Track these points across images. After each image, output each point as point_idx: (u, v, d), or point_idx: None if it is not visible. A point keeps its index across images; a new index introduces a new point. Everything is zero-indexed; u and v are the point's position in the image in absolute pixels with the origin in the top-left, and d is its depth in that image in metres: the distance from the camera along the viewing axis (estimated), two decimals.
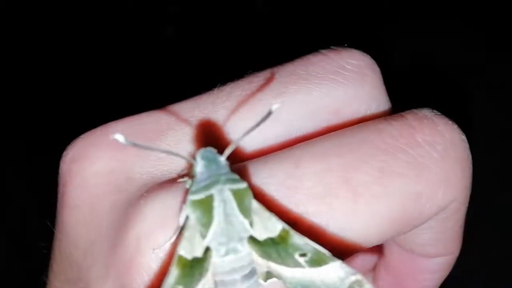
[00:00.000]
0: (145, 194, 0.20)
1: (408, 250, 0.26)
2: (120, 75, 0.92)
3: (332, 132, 0.22)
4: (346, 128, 0.22)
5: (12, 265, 0.75)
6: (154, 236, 0.18)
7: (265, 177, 0.19)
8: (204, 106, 0.23)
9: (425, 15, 0.67)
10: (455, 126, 0.22)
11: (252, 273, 0.17)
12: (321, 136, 0.22)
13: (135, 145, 0.18)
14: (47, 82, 0.92)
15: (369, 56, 0.24)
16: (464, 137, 0.22)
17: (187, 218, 0.16)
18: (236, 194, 0.16)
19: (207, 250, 0.16)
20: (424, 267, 0.26)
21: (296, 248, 0.17)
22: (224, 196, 0.16)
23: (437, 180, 0.21)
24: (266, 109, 0.17)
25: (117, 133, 0.18)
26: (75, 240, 0.22)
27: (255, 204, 0.17)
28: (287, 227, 0.17)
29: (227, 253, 0.16)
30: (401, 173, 0.20)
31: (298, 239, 0.17)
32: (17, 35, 0.97)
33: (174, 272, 0.16)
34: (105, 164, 0.22)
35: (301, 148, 0.21)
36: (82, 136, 0.23)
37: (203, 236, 0.16)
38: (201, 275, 0.16)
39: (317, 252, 0.17)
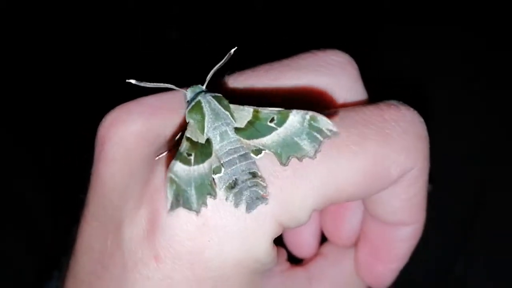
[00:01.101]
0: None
1: (380, 221, 0.32)
2: (121, 76, 0.92)
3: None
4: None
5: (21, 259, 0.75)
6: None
7: None
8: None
9: (424, 21, 0.67)
10: (415, 112, 0.29)
11: (246, 153, 0.23)
12: None
13: (141, 82, 0.27)
14: (48, 83, 0.92)
15: (348, 55, 0.30)
16: (422, 119, 0.29)
17: (189, 124, 0.24)
18: (215, 98, 0.24)
19: (209, 141, 0.23)
20: (395, 236, 0.32)
21: (266, 118, 0.23)
22: (207, 99, 0.24)
23: (400, 147, 0.27)
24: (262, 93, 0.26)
25: (154, 102, 0.28)
26: (112, 187, 0.27)
27: (231, 105, 0.24)
28: (256, 107, 0.24)
29: (222, 139, 0.23)
30: (373, 139, 0.26)
31: (265, 111, 0.24)
32: (17, 35, 0.97)
33: (185, 143, 0.23)
34: (139, 126, 0.27)
35: None
36: (118, 106, 0.29)
37: (201, 129, 0.23)
38: (207, 155, 0.23)
39: (279, 112, 0.23)
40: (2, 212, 0.78)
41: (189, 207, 0.22)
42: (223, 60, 0.26)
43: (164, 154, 0.25)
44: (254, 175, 0.23)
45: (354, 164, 0.25)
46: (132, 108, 0.29)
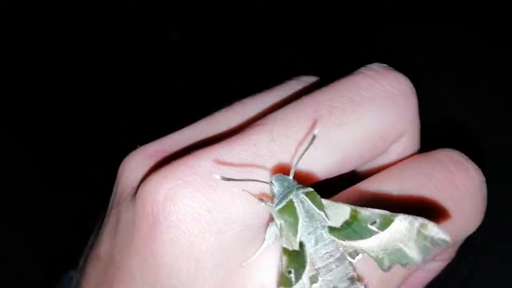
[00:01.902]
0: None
1: None
2: (120, 76, 0.92)
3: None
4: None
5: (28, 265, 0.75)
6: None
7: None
8: (259, 138, 0.25)
9: (424, 21, 0.67)
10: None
11: (342, 256, 0.21)
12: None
13: (229, 179, 0.22)
14: (48, 83, 0.92)
15: (409, 80, 0.28)
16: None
17: (280, 226, 0.21)
18: (308, 195, 0.21)
19: (302, 245, 0.21)
20: (425, 267, 0.31)
21: (366, 219, 0.21)
22: (300, 198, 0.21)
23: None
24: (330, 142, 0.24)
25: (208, 168, 0.23)
26: (170, 272, 0.24)
27: (324, 201, 0.22)
28: (353, 207, 0.21)
29: (316, 242, 0.21)
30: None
31: (365, 212, 0.21)
32: (18, 35, 0.97)
33: (284, 258, 0.21)
34: (202, 204, 0.24)
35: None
36: (170, 171, 0.24)
37: (294, 233, 0.21)
38: (303, 265, 0.21)
39: (382, 215, 0.21)
40: (2, 211, 0.78)
41: None
42: (308, 145, 0.23)
43: (252, 260, 0.22)
44: (352, 280, 0.21)
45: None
46: (189, 179, 0.24)
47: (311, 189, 0.22)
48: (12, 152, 0.85)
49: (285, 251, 0.21)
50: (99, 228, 0.30)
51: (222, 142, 0.25)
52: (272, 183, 0.23)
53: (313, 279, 0.21)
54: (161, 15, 0.98)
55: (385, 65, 0.28)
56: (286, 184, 0.22)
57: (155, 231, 0.24)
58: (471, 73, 0.55)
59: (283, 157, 0.24)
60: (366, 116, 0.26)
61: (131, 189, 0.27)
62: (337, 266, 0.21)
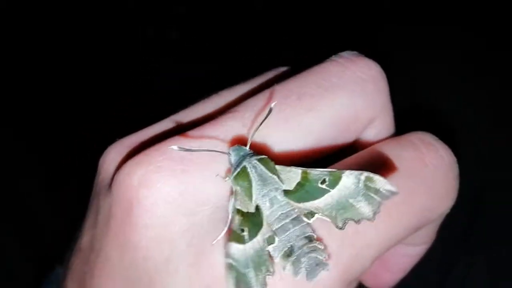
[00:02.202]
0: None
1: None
2: (120, 75, 0.92)
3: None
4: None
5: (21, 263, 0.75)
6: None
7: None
8: (231, 124, 0.26)
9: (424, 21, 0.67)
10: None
11: (298, 217, 0.22)
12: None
13: (187, 150, 0.24)
14: (50, 84, 0.92)
15: (379, 66, 0.29)
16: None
17: (235, 191, 0.22)
18: (260, 161, 0.23)
19: (258, 209, 0.22)
20: (406, 252, 0.33)
21: (317, 179, 0.22)
22: (253, 163, 0.22)
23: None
24: (301, 126, 0.25)
25: (180, 152, 0.23)
26: (145, 255, 0.24)
27: (277, 167, 0.23)
28: (303, 168, 0.22)
29: (271, 204, 0.22)
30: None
31: (314, 172, 0.22)
32: (17, 35, 0.97)
33: (236, 217, 0.22)
34: (173, 188, 0.24)
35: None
36: (143, 157, 0.25)
37: (250, 197, 0.22)
38: (258, 225, 0.22)
39: (330, 173, 0.22)
40: (1, 211, 0.78)
41: None
42: (265, 117, 0.24)
43: (220, 237, 0.23)
44: (310, 239, 0.22)
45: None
46: (162, 164, 0.24)
47: (264, 156, 0.23)
48: (12, 150, 0.85)
49: (238, 211, 0.22)
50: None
51: (195, 128, 0.26)
52: (229, 153, 0.24)
53: (270, 240, 0.22)
54: (161, 15, 0.98)
55: (355, 52, 0.29)
56: (241, 153, 0.23)
57: (129, 216, 0.25)
58: (471, 72, 0.55)
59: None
60: (335, 101, 0.27)
61: (108, 179, 0.28)
62: (293, 226, 0.22)
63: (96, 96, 0.90)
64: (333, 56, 0.29)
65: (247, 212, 0.22)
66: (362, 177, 0.22)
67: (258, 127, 0.24)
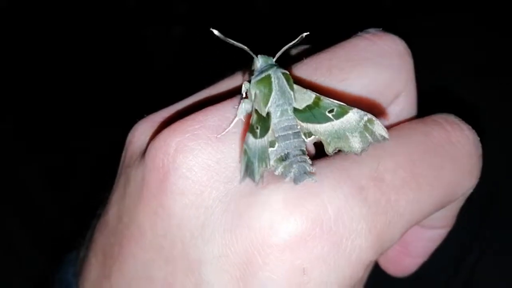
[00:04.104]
0: (263, 185, 0.24)
1: (418, 224, 0.31)
2: (123, 74, 0.91)
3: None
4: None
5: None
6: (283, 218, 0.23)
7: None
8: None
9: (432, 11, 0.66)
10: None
11: (299, 132, 0.24)
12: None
13: (223, 37, 0.26)
14: (52, 84, 0.92)
15: (404, 42, 0.29)
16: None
17: (254, 95, 0.24)
18: (284, 75, 0.24)
19: (268, 115, 0.24)
20: (428, 236, 0.33)
21: (326, 107, 0.24)
22: (277, 75, 0.24)
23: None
24: (331, 96, 0.25)
25: (216, 121, 0.25)
26: (181, 223, 0.25)
27: (295, 86, 0.25)
28: (318, 94, 0.25)
29: (281, 114, 0.24)
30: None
31: (326, 101, 0.24)
32: (19, 35, 0.97)
33: (254, 115, 0.24)
34: (210, 156, 0.25)
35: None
36: (180, 125, 0.25)
37: (265, 103, 0.24)
38: (266, 129, 0.24)
39: (339, 106, 0.24)
40: (8, 207, 0.78)
41: (253, 178, 0.23)
42: (296, 40, 0.26)
43: (226, 131, 0.25)
44: (304, 152, 0.24)
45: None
46: (198, 132, 0.25)
47: (287, 72, 0.25)
48: (14, 149, 0.85)
49: (256, 111, 0.24)
50: (107, 198, 0.31)
51: (227, 100, 0.27)
52: (257, 57, 0.26)
53: (272, 144, 0.24)
54: (164, 12, 0.98)
55: (381, 28, 0.30)
56: (269, 62, 0.25)
57: (165, 183, 0.25)
58: (480, 61, 0.55)
59: None
60: (364, 74, 0.28)
61: (139, 152, 0.28)
62: (293, 138, 0.24)
63: (98, 96, 0.90)
64: (360, 32, 0.30)
65: (261, 115, 0.24)
66: (365, 118, 0.24)
67: (287, 47, 0.26)
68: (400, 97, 0.30)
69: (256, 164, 0.23)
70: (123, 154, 0.30)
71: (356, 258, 0.24)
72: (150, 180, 0.25)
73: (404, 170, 0.25)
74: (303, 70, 0.27)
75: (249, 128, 0.24)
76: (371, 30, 0.30)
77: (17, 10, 0.98)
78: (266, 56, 0.26)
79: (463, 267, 0.50)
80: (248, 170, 0.23)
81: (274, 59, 0.26)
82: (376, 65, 0.28)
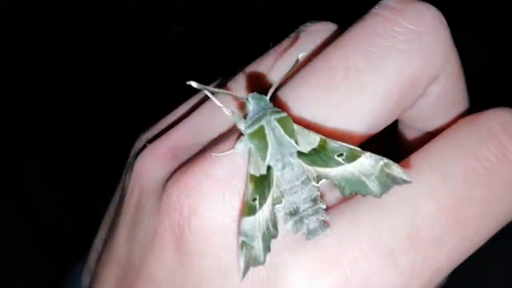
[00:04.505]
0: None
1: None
2: (124, 75, 0.91)
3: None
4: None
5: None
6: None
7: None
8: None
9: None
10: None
11: (307, 179, 0.22)
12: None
13: (205, 88, 0.22)
14: (52, 84, 0.92)
15: (434, 9, 0.23)
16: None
17: (249, 149, 0.22)
18: (280, 121, 0.22)
19: (269, 168, 0.22)
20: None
21: (334, 151, 0.22)
22: (272, 125, 0.22)
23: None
24: (353, 112, 0.22)
25: (226, 171, 0.22)
26: (197, 281, 0.23)
27: (295, 127, 0.22)
28: (323, 137, 0.22)
29: (283, 167, 0.22)
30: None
31: (333, 144, 0.22)
32: (19, 35, 0.97)
33: (250, 186, 0.21)
34: (226, 216, 0.22)
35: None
36: (191, 179, 0.23)
37: (263, 158, 0.22)
38: (269, 187, 0.22)
39: (350, 149, 0.22)
40: (10, 207, 0.78)
41: (257, 263, 0.21)
42: (289, 70, 0.22)
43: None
44: (315, 201, 0.22)
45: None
46: (210, 189, 0.22)
47: (284, 115, 0.22)
48: (15, 148, 0.85)
49: (252, 178, 0.22)
50: (110, 223, 0.29)
51: (226, 140, 0.24)
52: (248, 100, 0.22)
53: (277, 200, 0.22)
54: (165, 10, 0.97)
55: None
56: (262, 104, 0.22)
57: (182, 244, 0.23)
58: (480, 61, 0.54)
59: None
60: (389, 70, 0.22)
61: (148, 192, 0.26)
62: (301, 189, 0.22)
63: (98, 96, 0.90)
64: (375, 7, 0.24)
65: (260, 176, 0.22)
66: (381, 162, 0.21)
67: (284, 77, 0.22)
68: (439, 77, 0.23)
69: (259, 243, 0.21)
70: (129, 186, 0.27)
71: None
72: (165, 236, 0.23)
73: (447, 215, 0.20)
74: (314, 85, 0.23)
75: (244, 210, 0.21)
76: (390, 2, 0.23)
77: (17, 10, 0.98)
78: (258, 96, 0.22)
79: (461, 267, 0.50)
80: (251, 261, 0.21)
81: (268, 96, 0.22)
82: (402, 54, 0.22)
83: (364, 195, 0.21)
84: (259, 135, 0.22)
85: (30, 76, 0.93)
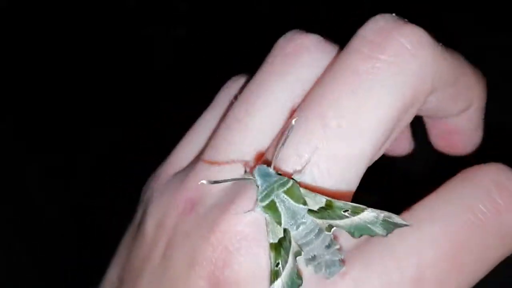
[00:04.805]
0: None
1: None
2: (124, 75, 0.91)
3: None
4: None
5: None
6: None
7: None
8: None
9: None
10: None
11: (320, 230, 0.25)
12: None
13: (215, 182, 0.25)
14: (52, 84, 0.92)
15: (419, 31, 0.23)
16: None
17: (265, 220, 0.25)
18: (287, 192, 0.25)
19: (285, 230, 0.25)
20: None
21: (340, 208, 0.25)
22: (281, 198, 0.25)
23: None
24: (347, 157, 0.24)
25: (248, 226, 0.24)
26: None
27: (302, 190, 0.25)
28: (328, 198, 0.25)
29: (298, 227, 0.25)
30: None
31: (338, 203, 0.25)
32: (19, 35, 0.97)
33: (272, 254, 0.24)
34: (259, 266, 0.24)
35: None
36: (219, 237, 0.24)
37: (279, 224, 0.25)
38: (288, 247, 0.25)
39: (353, 207, 0.25)
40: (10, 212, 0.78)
41: None
42: (288, 132, 0.23)
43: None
44: (329, 246, 0.25)
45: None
46: (239, 245, 0.24)
47: (289, 185, 0.24)
48: (15, 149, 0.85)
49: (271, 246, 0.24)
50: (127, 266, 0.29)
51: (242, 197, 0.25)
52: (254, 177, 0.25)
53: (297, 253, 0.25)
54: (168, 12, 0.97)
55: (381, 24, 0.24)
56: (267, 178, 0.25)
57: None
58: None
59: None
60: (378, 108, 0.23)
61: (176, 245, 0.27)
62: (316, 239, 0.25)
63: (98, 96, 0.90)
64: (354, 40, 0.24)
65: (278, 240, 0.25)
66: (382, 215, 0.24)
67: (282, 145, 0.24)
68: (432, 96, 0.24)
69: None
70: (151, 233, 0.28)
71: None
72: (199, 284, 0.25)
73: (447, 261, 0.23)
74: (295, 142, 0.24)
75: (270, 277, 0.24)
76: (368, 33, 0.23)
77: (17, 10, 0.98)
78: (263, 170, 0.25)
79: None
80: None
81: (272, 166, 0.25)
82: (390, 90, 0.23)
83: (372, 236, 0.24)
84: (272, 208, 0.25)
85: (30, 76, 0.93)
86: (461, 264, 0.23)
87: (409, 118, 0.24)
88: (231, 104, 0.28)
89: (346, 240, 0.25)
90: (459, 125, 0.29)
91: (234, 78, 0.31)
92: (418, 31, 0.23)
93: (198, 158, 0.28)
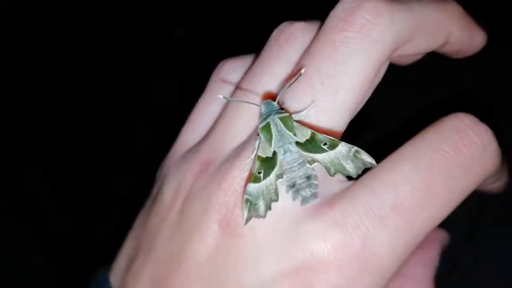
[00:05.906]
0: None
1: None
2: (124, 75, 0.91)
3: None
4: None
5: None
6: None
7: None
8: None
9: None
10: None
11: (303, 162, 0.30)
12: None
13: (227, 98, 0.33)
14: (52, 84, 0.92)
15: (378, 1, 0.29)
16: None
17: (259, 139, 0.30)
18: (281, 119, 0.30)
19: (274, 153, 0.30)
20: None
21: (320, 141, 0.29)
22: (275, 121, 0.30)
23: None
24: (335, 111, 0.30)
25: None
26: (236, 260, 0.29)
27: (294, 124, 0.30)
28: (313, 131, 0.29)
29: (284, 152, 0.30)
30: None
31: (319, 136, 0.29)
32: (19, 35, 0.97)
33: (257, 163, 0.29)
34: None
35: None
36: (227, 176, 0.30)
37: (270, 146, 0.30)
38: (273, 166, 0.30)
39: (330, 140, 0.29)
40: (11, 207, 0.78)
41: (258, 216, 0.28)
42: (294, 79, 0.29)
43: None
44: (309, 178, 0.29)
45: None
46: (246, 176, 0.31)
47: (285, 115, 0.30)
48: (16, 149, 0.85)
49: (259, 157, 0.30)
50: (143, 231, 0.33)
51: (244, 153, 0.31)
52: (260, 106, 0.31)
53: (280, 176, 0.30)
54: (165, 13, 0.98)
55: (348, 4, 0.30)
56: (270, 107, 0.30)
57: (228, 226, 0.29)
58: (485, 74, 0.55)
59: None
60: (354, 70, 0.29)
61: (192, 200, 0.31)
62: (298, 169, 0.29)
63: (98, 96, 0.90)
64: (330, 19, 0.30)
65: (266, 157, 0.30)
66: (353, 150, 0.29)
67: (288, 86, 0.29)
68: (407, 45, 0.30)
69: (262, 203, 0.29)
70: (169, 198, 0.32)
71: (380, 276, 0.28)
72: (212, 227, 0.29)
73: (420, 192, 0.28)
74: (299, 93, 0.30)
75: (250, 178, 0.29)
76: (340, 12, 0.30)
77: (17, 10, 0.98)
78: (267, 102, 0.30)
79: (458, 268, 0.50)
80: (253, 214, 0.28)
81: (276, 101, 0.30)
82: (361, 55, 0.29)
83: (345, 175, 0.30)
84: (267, 129, 0.30)
85: (30, 76, 0.93)
86: (433, 194, 0.28)
87: (382, 72, 0.31)
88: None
89: (335, 185, 0.29)
90: (453, 48, 0.34)
91: (223, 61, 0.38)
92: (376, 4, 0.29)
93: (207, 134, 0.33)
